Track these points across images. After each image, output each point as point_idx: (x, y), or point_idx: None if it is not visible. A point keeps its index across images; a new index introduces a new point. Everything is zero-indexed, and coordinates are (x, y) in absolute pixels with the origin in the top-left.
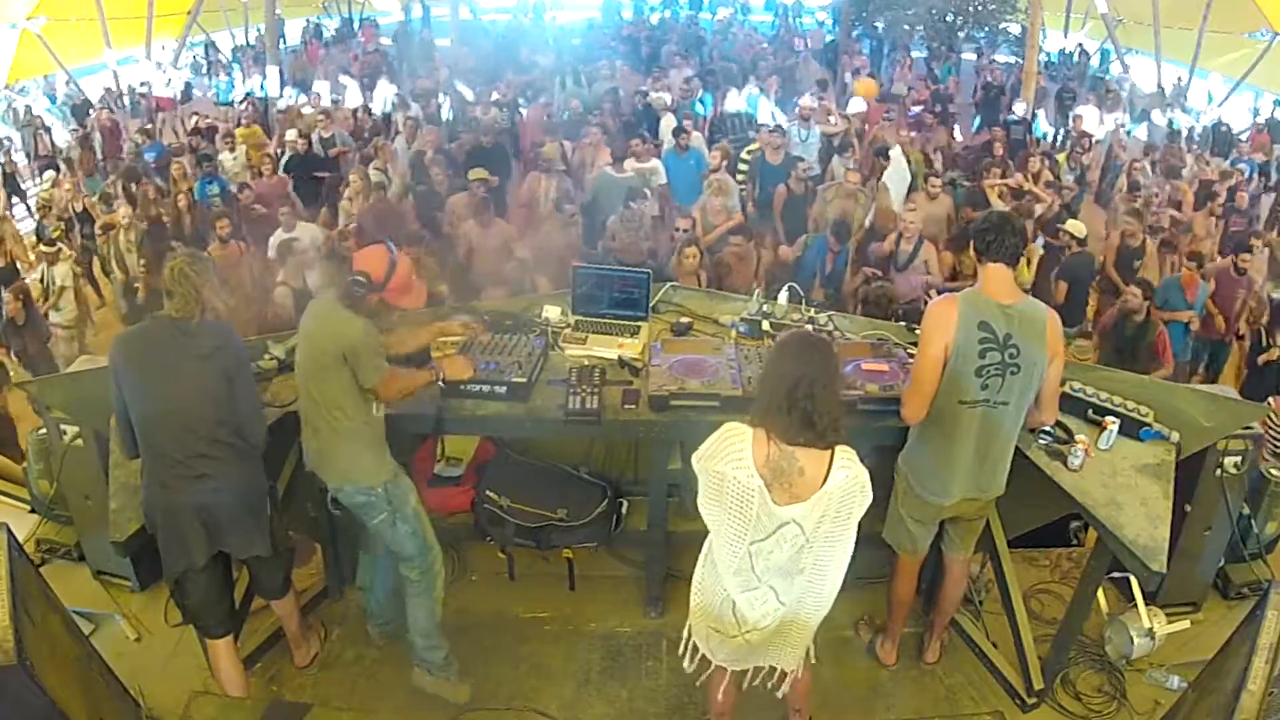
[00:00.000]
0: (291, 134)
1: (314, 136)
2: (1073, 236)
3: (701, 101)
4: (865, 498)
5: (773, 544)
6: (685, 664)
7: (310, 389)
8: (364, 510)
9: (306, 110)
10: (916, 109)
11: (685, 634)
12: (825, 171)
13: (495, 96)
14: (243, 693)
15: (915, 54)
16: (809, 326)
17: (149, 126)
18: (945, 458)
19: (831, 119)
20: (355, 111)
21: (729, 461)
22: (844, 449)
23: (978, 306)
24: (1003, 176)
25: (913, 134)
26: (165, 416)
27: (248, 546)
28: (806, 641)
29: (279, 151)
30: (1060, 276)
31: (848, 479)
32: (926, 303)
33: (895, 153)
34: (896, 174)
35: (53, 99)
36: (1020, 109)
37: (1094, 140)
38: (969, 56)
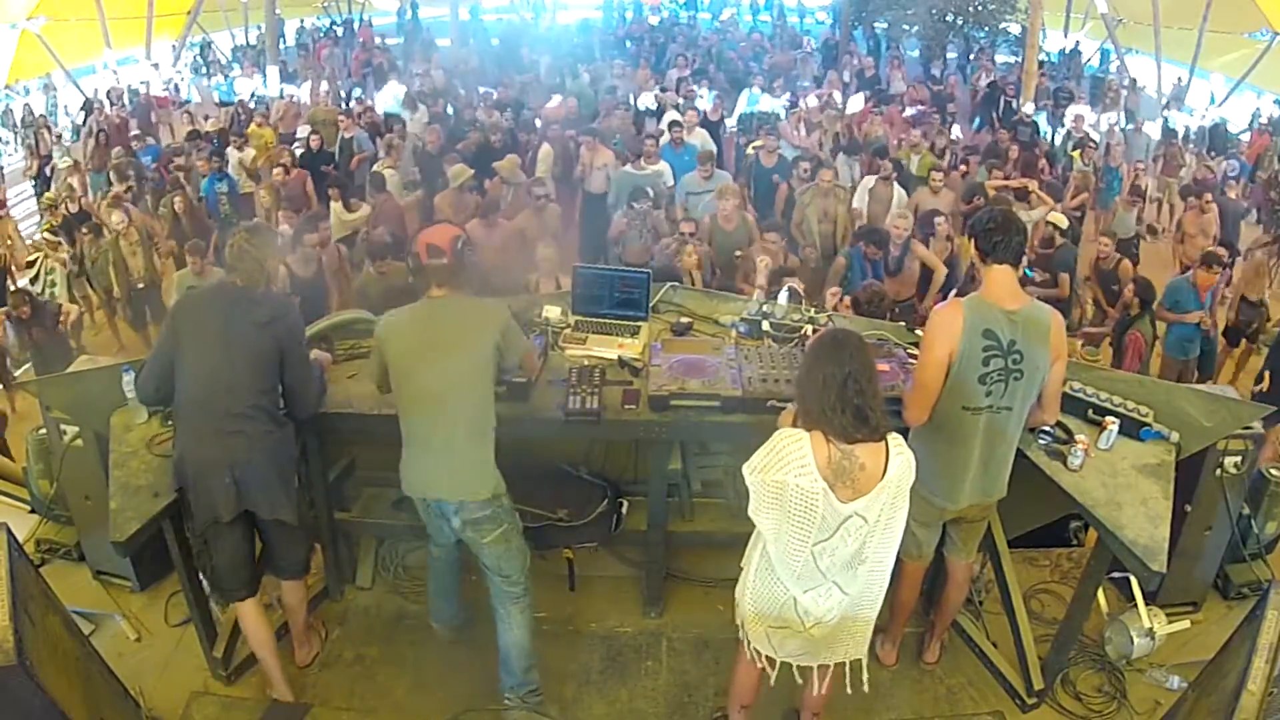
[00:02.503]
0: (304, 130)
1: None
2: (1056, 228)
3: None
4: (913, 474)
5: (838, 541)
6: (740, 668)
7: (457, 395)
8: (483, 525)
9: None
10: (913, 109)
11: (744, 640)
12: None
13: (495, 96)
14: (272, 649)
15: (913, 54)
16: (810, 327)
17: (138, 132)
18: (950, 463)
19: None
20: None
21: (790, 471)
22: (893, 435)
23: (982, 314)
24: (1004, 177)
25: (916, 133)
26: (214, 374)
27: (274, 508)
28: (869, 630)
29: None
30: (1055, 270)
31: (903, 463)
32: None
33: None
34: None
35: (51, 101)
36: (1029, 109)
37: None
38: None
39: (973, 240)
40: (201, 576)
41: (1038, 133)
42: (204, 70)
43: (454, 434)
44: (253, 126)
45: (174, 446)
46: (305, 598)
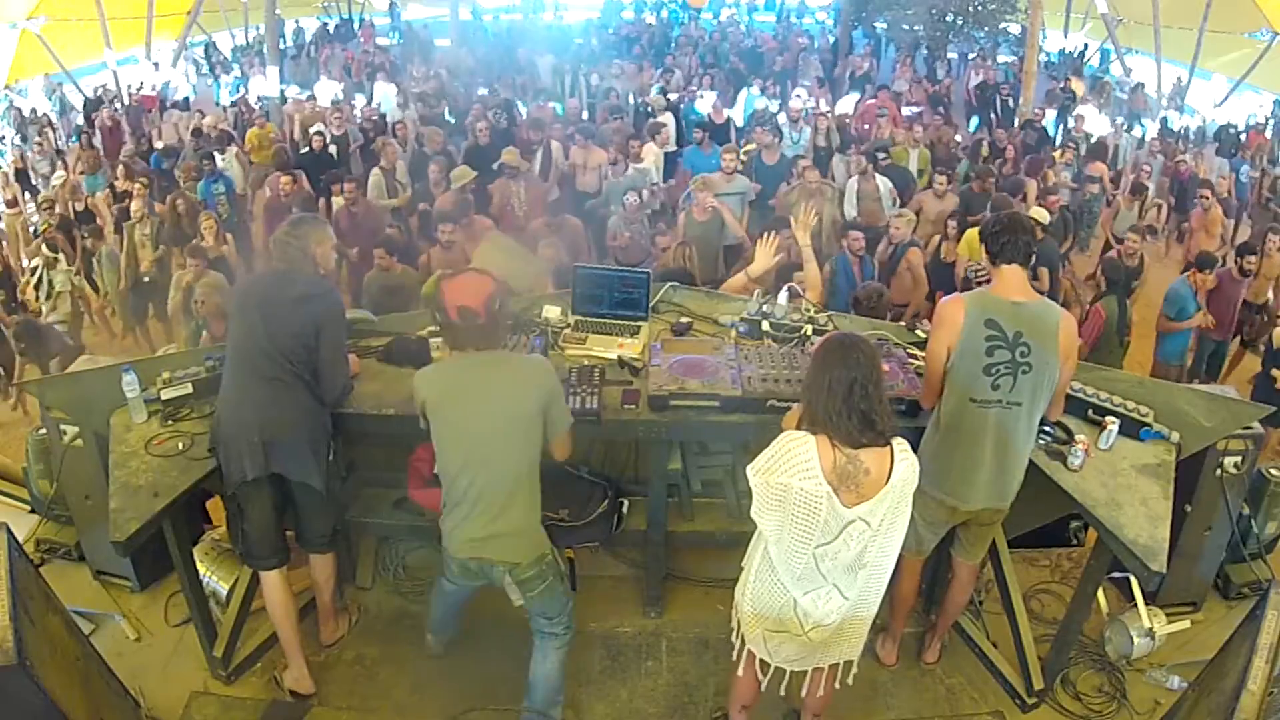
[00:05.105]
0: (317, 128)
1: (312, 131)
2: (1037, 223)
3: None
4: (917, 479)
5: (839, 544)
6: (740, 671)
7: (506, 457)
8: (532, 583)
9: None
10: (913, 110)
11: (737, 643)
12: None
13: (482, 92)
14: (293, 624)
15: (914, 54)
16: (810, 327)
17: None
18: (961, 460)
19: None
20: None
21: (795, 474)
22: (898, 440)
23: (985, 305)
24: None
25: (917, 129)
26: (250, 340)
27: (301, 471)
28: (866, 630)
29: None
30: (1036, 264)
31: (907, 468)
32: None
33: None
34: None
35: (57, 100)
36: (1026, 110)
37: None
38: (970, 56)
39: (982, 244)
40: (233, 545)
41: (1047, 137)
42: (207, 70)
43: (501, 492)
44: (254, 129)
45: (212, 418)
46: (333, 574)
